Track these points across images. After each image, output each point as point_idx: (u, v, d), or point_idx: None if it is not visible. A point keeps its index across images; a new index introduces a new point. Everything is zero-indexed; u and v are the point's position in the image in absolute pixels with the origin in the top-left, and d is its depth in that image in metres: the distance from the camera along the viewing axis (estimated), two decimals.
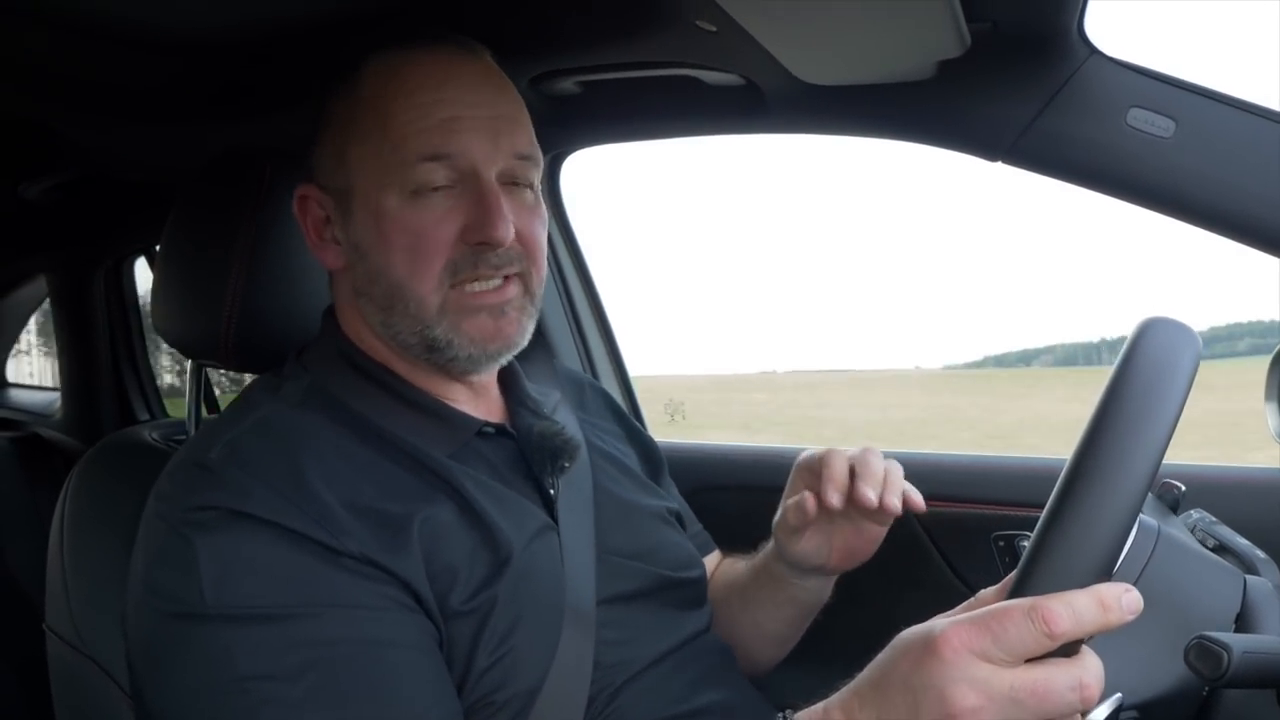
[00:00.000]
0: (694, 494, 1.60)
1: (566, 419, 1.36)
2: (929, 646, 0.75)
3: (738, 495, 1.61)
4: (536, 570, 1.14)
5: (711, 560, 1.54)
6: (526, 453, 1.25)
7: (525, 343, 1.24)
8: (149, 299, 1.42)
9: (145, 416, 2.91)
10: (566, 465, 1.25)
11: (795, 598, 1.37)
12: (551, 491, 1.23)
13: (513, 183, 1.20)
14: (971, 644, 0.74)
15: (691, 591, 1.35)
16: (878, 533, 1.28)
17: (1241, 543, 1.23)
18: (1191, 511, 1.28)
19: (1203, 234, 1.36)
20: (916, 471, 1.93)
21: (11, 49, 1.40)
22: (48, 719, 1.35)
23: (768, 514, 1.59)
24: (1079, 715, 0.76)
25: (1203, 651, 0.93)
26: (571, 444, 1.27)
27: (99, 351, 2.88)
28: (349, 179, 1.18)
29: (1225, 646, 0.93)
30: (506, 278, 1.19)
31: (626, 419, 1.58)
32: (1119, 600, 0.74)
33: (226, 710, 0.93)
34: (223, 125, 1.68)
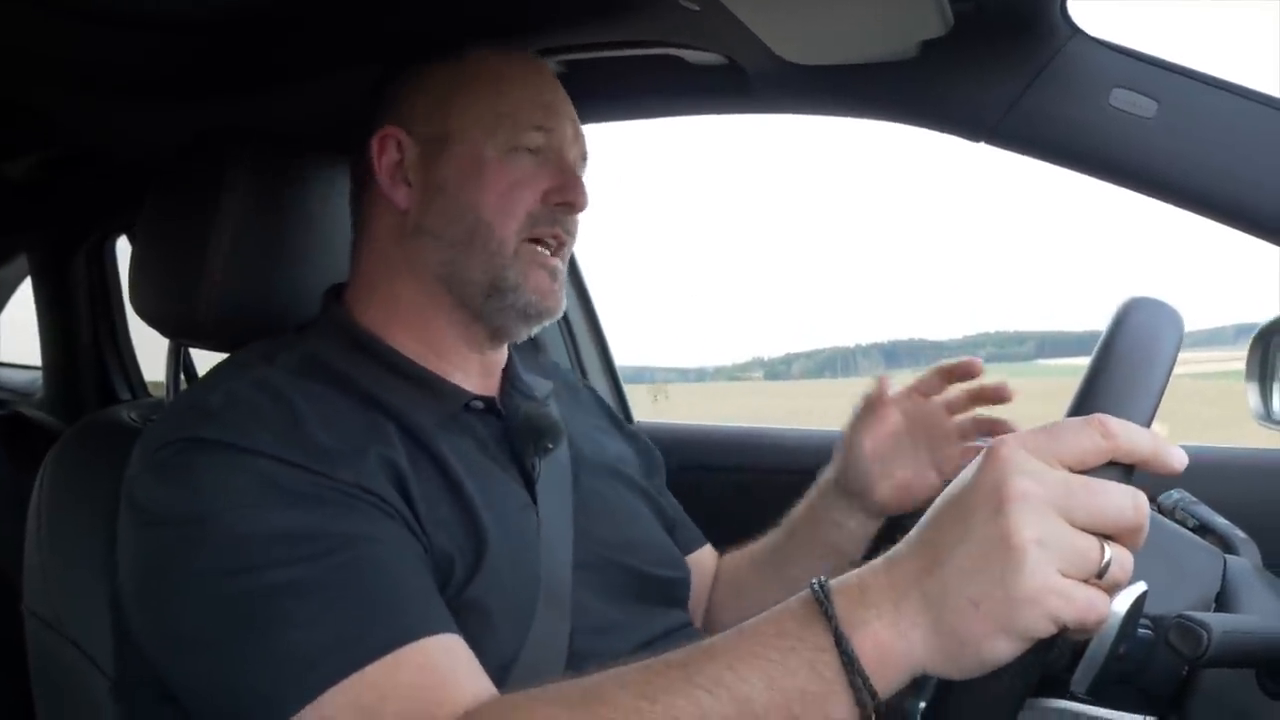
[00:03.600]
0: (677, 474, 1.60)
1: (554, 407, 1.38)
2: (987, 454, 0.75)
3: (722, 476, 1.61)
4: (513, 546, 1.15)
5: (705, 557, 1.57)
6: (511, 431, 1.28)
7: (561, 313, 1.34)
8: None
9: (126, 396, 2.90)
10: (550, 447, 1.28)
11: (834, 544, 1.41)
12: (533, 471, 1.25)
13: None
14: (1027, 442, 0.73)
15: (672, 589, 1.36)
16: (937, 482, 1.33)
17: (1221, 522, 1.24)
18: (1172, 491, 1.29)
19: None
20: None
21: None
22: (26, 701, 1.34)
23: (751, 494, 1.59)
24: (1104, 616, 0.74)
25: (1183, 631, 0.94)
26: (556, 426, 1.30)
27: (80, 331, 2.86)
28: (447, 127, 1.28)
29: (1205, 626, 0.93)
30: (557, 250, 1.30)
31: (619, 419, 1.60)
32: (1169, 445, 0.74)
33: (239, 600, 0.96)
34: (206, 103, 1.66)
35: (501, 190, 1.25)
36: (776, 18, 1.32)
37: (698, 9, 1.35)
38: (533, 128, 1.27)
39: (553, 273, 1.29)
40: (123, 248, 2.87)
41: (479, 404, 1.27)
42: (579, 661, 1.15)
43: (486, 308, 1.27)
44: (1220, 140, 1.33)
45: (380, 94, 1.34)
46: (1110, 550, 0.71)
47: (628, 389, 2.40)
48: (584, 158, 1.35)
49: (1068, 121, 1.39)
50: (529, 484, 1.25)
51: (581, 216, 1.31)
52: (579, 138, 1.34)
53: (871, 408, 1.39)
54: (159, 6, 1.33)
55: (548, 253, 1.28)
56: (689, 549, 1.53)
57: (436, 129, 1.28)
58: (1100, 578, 0.71)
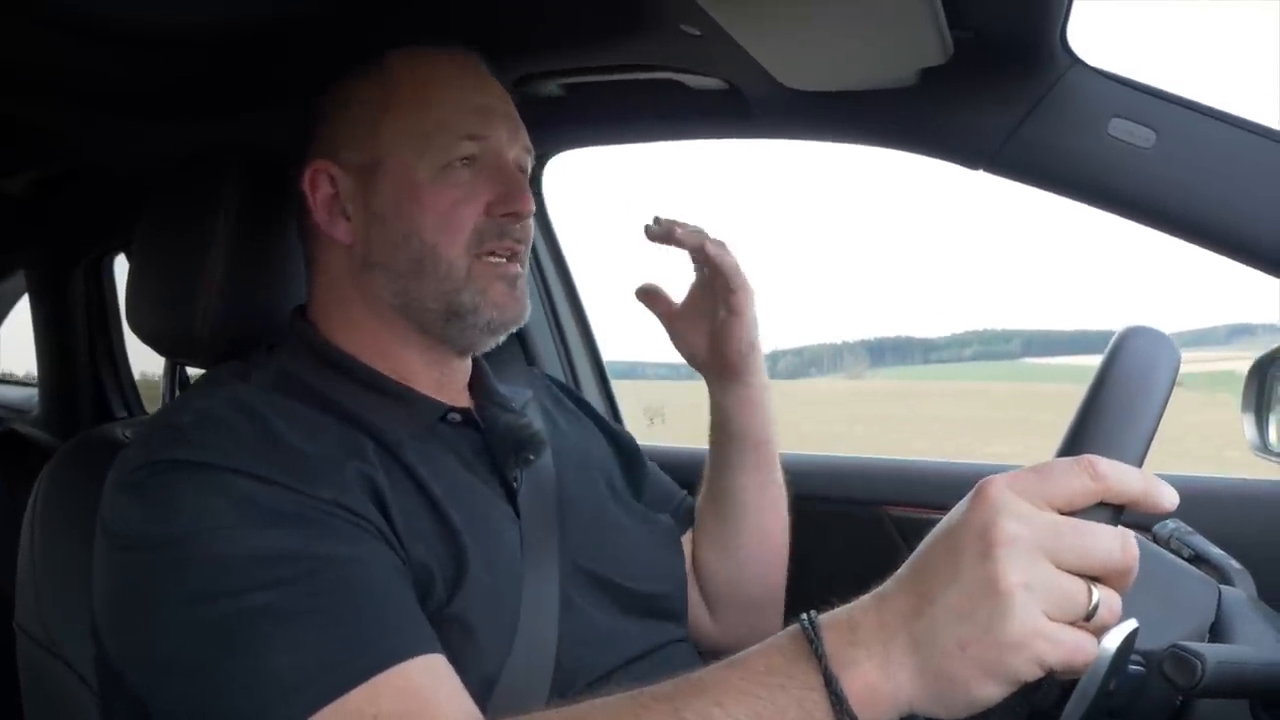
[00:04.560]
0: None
1: (534, 418, 1.38)
2: (975, 492, 0.74)
3: None
4: (495, 560, 1.15)
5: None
6: (491, 443, 1.27)
7: (527, 318, 1.30)
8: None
9: (123, 414, 2.90)
10: (531, 458, 1.27)
11: (728, 430, 1.44)
12: (515, 484, 1.25)
13: (519, 170, 1.30)
14: (1015, 483, 0.73)
15: (660, 604, 1.35)
16: (732, 329, 1.35)
17: (1216, 553, 1.24)
18: (1167, 521, 1.28)
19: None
20: (892, 478, 1.94)
21: None
22: (19, 716, 1.34)
23: None
24: (1094, 654, 0.74)
25: (1177, 661, 0.93)
26: (537, 438, 1.29)
27: (77, 348, 2.86)
28: (377, 153, 1.24)
29: (1199, 656, 0.93)
30: (512, 256, 1.26)
31: (603, 420, 1.59)
32: (1160, 485, 0.74)
33: (219, 624, 0.95)
34: (204, 120, 1.67)
35: (442, 210, 1.21)
36: (778, 44, 1.32)
37: (699, 34, 1.35)
38: (465, 137, 1.23)
39: (511, 281, 1.26)
40: (121, 265, 2.87)
41: (456, 416, 1.26)
42: (565, 676, 1.15)
43: (448, 331, 1.26)
44: (1219, 171, 1.34)
45: (305, 125, 1.30)
46: (1098, 593, 0.72)
47: (619, 386, 2.41)
48: (527, 151, 1.31)
49: (1066, 151, 1.39)
50: (511, 497, 1.24)
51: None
52: (517, 135, 1.29)
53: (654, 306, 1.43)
54: (158, 25, 1.34)
55: (504, 261, 1.25)
56: (689, 522, 1.54)
57: (366, 155, 1.24)
58: (1088, 620, 0.71)
